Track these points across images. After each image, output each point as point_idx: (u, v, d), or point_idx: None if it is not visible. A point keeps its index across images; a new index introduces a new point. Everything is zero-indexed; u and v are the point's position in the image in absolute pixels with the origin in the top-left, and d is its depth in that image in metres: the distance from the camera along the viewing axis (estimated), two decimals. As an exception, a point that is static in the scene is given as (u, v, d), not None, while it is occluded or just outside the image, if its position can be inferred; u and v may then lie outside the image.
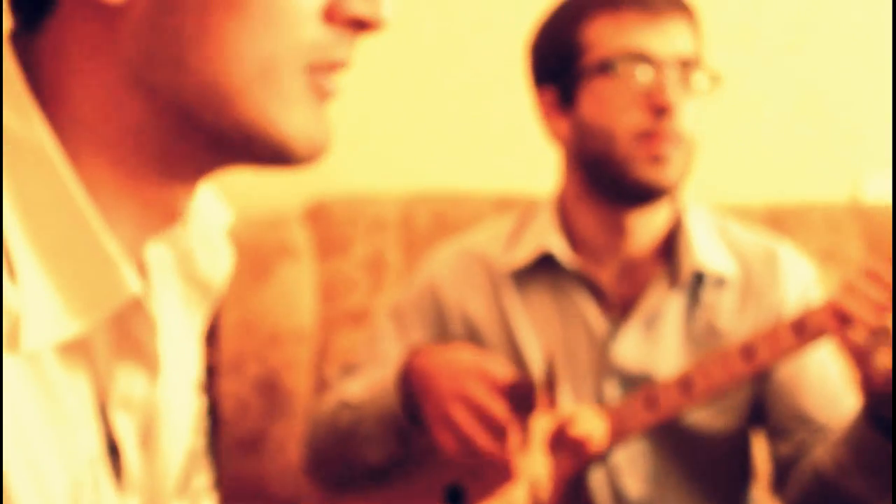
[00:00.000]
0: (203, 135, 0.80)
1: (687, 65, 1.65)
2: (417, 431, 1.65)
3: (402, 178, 2.55)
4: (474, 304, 1.79)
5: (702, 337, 1.73)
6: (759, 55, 2.62)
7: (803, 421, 1.71)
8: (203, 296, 0.94)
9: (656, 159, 1.63)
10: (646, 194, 1.67)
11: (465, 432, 1.58)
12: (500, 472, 1.57)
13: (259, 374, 2.28)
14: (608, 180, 1.67)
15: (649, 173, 1.64)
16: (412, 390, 1.65)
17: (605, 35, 1.66)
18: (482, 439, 1.57)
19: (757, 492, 1.87)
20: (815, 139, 2.64)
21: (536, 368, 1.71)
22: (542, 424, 1.39)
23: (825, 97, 2.63)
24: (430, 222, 2.38)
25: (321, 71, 0.82)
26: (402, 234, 2.37)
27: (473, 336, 1.79)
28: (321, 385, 2.20)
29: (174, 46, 0.78)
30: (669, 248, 1.74)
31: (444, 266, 1.84)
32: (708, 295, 1.73)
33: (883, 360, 1.47)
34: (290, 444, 2.25)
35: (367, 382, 1.75)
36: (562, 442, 1.41)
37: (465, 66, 2.58)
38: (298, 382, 2.28)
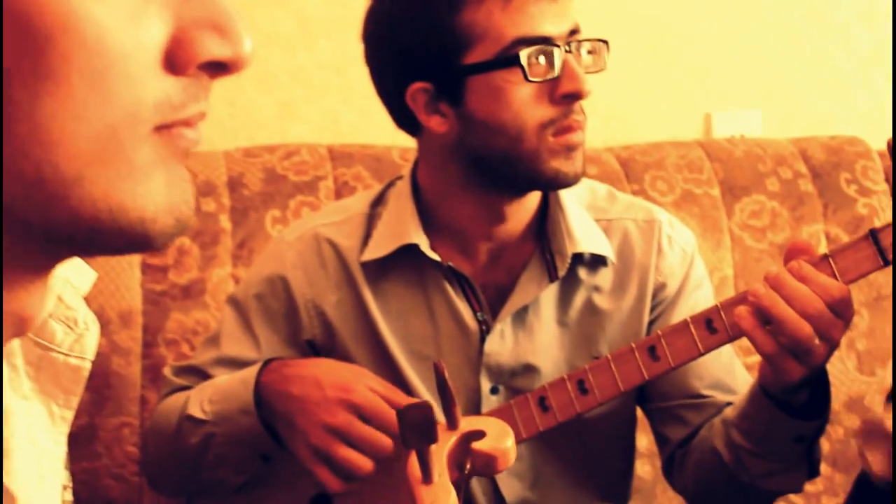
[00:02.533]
0: (36, 237, 0.64)
1: (575, 33, 1.52)
2: (285, 451, 1.54)
3: (231, 136, 2.42)
4: (330, 300, 1.66)
5: (581, 320, 1.65)
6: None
7: (695, 401, 1.66)
8: (74, 379, 0.80)
9: (569, 149, 1.52)
10: (558, 186, 1.56)
11: (348, 470, 1.48)
12: (370, 482, 1.50)
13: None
14: (507, 176, 1.54)
15: (563, 165, 1.52)
16: (273, 411, 1.53)
17: (495, 23, 1.48)
18: (369, 468, 1.47)
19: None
20: (664, 79, 2.62)
21: (406, 368, 1.62)
22: (444, 449, 1.24)
23: (672, 37, 2.62)
24: (262, 180, 2.23)
25: (174, 130, 0.66)
26: (235, 196, 2.21)
27: (329, 334, 1.66)
28: (154, 375, 2.09)
29: None
30: (541, 226, 1.65)
31: (292, 253, 1.69)
32: (585, 275, 1.65)
33: (797, 370, 1.38)
34: (123, 437, 2.10)
35: (213, 392, 1.61)
36: (465, 456, 1.27)
37: (290, 12, 2.46)
38: (129, 371, 2.11)
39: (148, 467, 1.76)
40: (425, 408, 1.11)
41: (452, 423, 1.28)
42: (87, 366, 0.80)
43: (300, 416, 1.49)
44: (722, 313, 1.44)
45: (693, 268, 1.69)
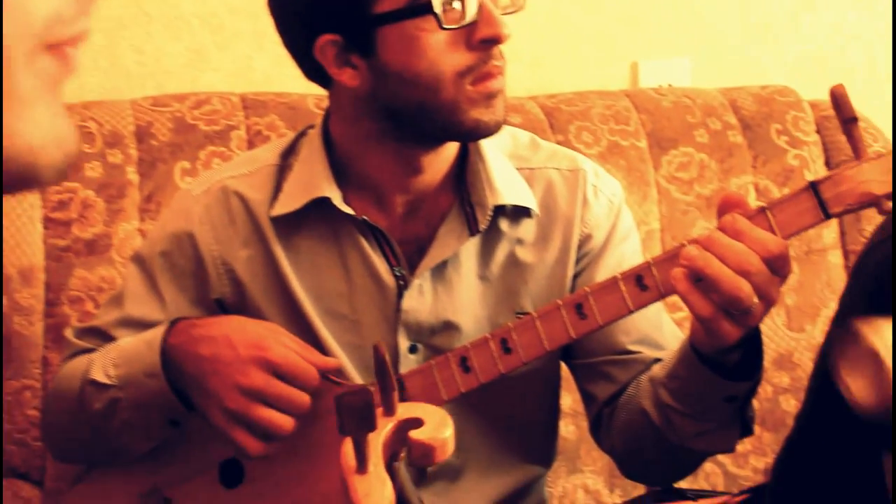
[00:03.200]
0: None
1: None
2: (195, 415, 1.51)
3: (138, 85, 2.36)
4: (239, 256, 1.62)
5: (503, 274, 1.61)
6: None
7: (621, 357, 1.62)
8: None
9: (489, 97, 1.48)
10: (479, 136, 1.52)
11: (269, 431, 1.45)
12: (285, 445, 1.46)
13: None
14: (425, 128, 1.51)
15: (483, 115, 1.48)
16: (183, 374, 1.49)
17: None
18: (290, 427, 1.45)
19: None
20: (590, 26, 2.59)
21: (320, 327, 1.59)
22: (380, 437, 1.19)
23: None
24: (171, 131, 2.17)
25: (62, 49, 0.64)
26: (143, 147, 2.14)
27: (239, 292, 1.62)
28: (57, 335, 2.02)
29: None
30: (460, 175, 1.61)
31: (198, 207, 1.64)
32: (507, 228, 1.61)
33: (733, 332, 1.33)
34: (24, 401, 2.04)
35: (117, 355, 1.56)
36: (400, 445, 1.22)
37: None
38: (31, 331, 2.05)
39: (48, 434, 1.71)
40: (364, 393, 1.07)
41: (389, 410, 1.23)
42: None
43: (212, 379, 1.45)
44: (653, 269, 1.39)
45: (620, 219, 1.65)
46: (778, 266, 1.30)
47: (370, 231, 1.58)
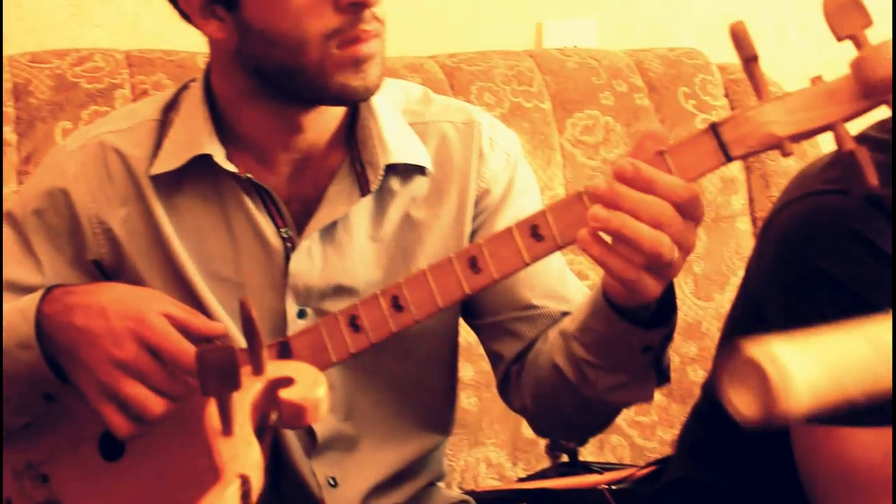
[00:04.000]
0: None
1: None
2: (71, 389, 1.46)
3: (17, 40, 2.30)
4: (117, 216, 1.56)
5: (397, 234, 1.57)
6: None
7: (527, 313, 1.58)
8: None
9: (358, 62, 1.43)
10: (346, 101, 1.49)
11: (138, 410, 1.40)
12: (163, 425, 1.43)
13: None
14: (291, 90, 1.47)
15: (352, 80, 1.44)
16: (56, 345, 1.44)
17: None
18: (159, 410, 1.41)
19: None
20: None
21: (203, 291, 1.54)
22: (247, 398, 1.14)
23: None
24: (51, 88, 2.12)
25: None
26: (20, 106, 2.10)
27: (117, 253, 1.56)
28: None
29: None
30: (350, 133, 1.57)
31: (74, 164, 1.58)
32: (400, 186, 1.57)
33: (655, 286, 1.29)
34: None
35: None
36: (270, 406, 1.17)
37: None
38: None
39: None
40: (227, 350, 1.01)
41: (258, 368, 1.17)
42: None
43: (86, 350, 1.41)
44: (549, 218, 1.32)
45: (518, 172, 1.61)
46: (690, 210, 1.25)
47: (255, 190, 1.54)
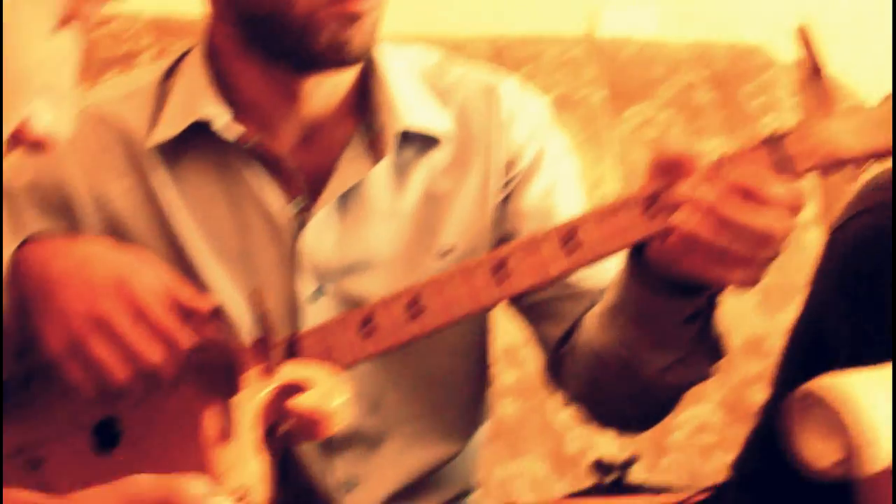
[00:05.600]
0: None
1: None
2: (31, 348, 1.41)
3: None
4: (114, 189, 1.53)
5: (419, 206, 1.54)
6: None
7: (566, 290, 1.55)
8: None
9: (350, 18, 1.41)
10: (335, 62, 1.45)
11: (102, 373, 1.35)
12: (167, 397, 1.36)
13: None
14: (281, 47, 1.45)
15: (341, 36, 1.41)
16: (27, 288, 1.40)
17: None
18: (122, 378, 1.35)
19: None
20: None
21: (206, 269, 1.50)
22: (255, 402, 1.08)
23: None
24: None
25: None
26: None
27: (116, 231, 1.52)
28: None
29: None
30: (362, 101, 1.54)
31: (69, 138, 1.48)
32: (420, 154, 1.54)
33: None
34: None
35: None
36: (280, 415, 1.17)
37: None
38: None
39: None
40: (219, 349, 1.00)
41: (270, 369, 1.17)
42: None
43: (60, 295, 1.37)
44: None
45: (549, 138, 1.59)
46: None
47: (261, 160, 1.51)
